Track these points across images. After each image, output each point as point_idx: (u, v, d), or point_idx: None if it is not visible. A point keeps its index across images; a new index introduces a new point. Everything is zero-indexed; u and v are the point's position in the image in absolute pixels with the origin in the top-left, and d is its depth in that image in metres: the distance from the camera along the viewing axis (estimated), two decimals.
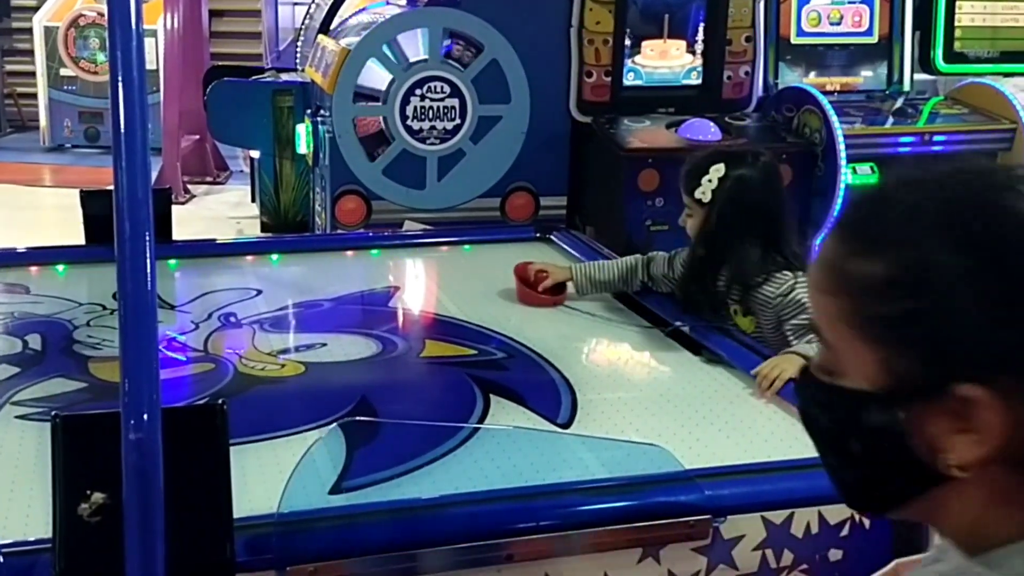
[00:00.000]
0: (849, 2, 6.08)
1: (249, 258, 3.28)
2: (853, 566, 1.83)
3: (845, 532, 1.81)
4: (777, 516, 1.78)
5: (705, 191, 2.58)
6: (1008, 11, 6.31)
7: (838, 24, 6.09)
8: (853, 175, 5.60)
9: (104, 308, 2.70)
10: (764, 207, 2.60)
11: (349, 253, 3.47)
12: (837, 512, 1.81)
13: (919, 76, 6.29)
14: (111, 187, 1.37)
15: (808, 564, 1.81)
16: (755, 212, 2.59)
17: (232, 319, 2.68)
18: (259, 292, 2.89)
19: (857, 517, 1.81)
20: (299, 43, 6.98)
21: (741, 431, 2.06)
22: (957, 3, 6.22)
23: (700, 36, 5.75)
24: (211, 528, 1.50)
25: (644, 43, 5.64)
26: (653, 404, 2.21)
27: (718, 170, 2.58)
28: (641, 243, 5.31)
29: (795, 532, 1.79)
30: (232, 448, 1.52)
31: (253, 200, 6.93)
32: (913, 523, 1.83)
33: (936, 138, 5.74)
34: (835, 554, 1.82)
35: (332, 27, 6.27)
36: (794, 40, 6.03)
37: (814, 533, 1.80)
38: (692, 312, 2.61)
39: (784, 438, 2.03)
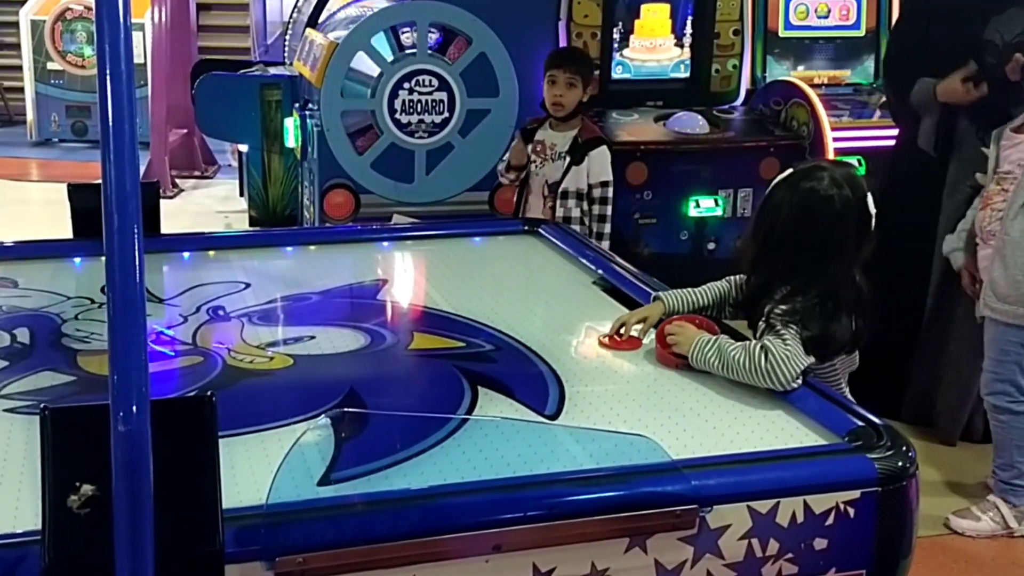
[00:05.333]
0: None
1: (237, 252, 3.27)
2: (838, 555, 1.85)
3: (830, 521, 1.83)
4: (763, 506, 1.79)
5: None
6: None
7: (825, 18, 6.10)
8: None
9: (92, 302, 2.70)
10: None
11: (337, 246, 3.46)
12: (822, 501, 1.82)
13: None
14: (99, 181, 1.37)
15: (793, 553, 1.83)
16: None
17: (220, 312, 2.68)
18: (247, 285, 2.89)
19: (842, 506, 1.83)
20: (287, 37, 6.96)
21: (727, 422, 2.08)
22: None
23: (688, 30, 5.76)
24: (200, 520, 1.50)
25: (635, 22, 5.64)
26: (640, 396, 2.22)
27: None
28: (629, 236, 5.33)
29: (780, 521, 1.80)
30: (221, 440, 1.53)
31: (241, 194, 6.92)
32: (897, 513, 1.85)
33: None
34: (820, 543, 1.83)
35: (320, 21, 6.26)
36: (782, 33, 6.04)
37: (799, 522, 1.81)
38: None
39: (770, 428, 2.05)
